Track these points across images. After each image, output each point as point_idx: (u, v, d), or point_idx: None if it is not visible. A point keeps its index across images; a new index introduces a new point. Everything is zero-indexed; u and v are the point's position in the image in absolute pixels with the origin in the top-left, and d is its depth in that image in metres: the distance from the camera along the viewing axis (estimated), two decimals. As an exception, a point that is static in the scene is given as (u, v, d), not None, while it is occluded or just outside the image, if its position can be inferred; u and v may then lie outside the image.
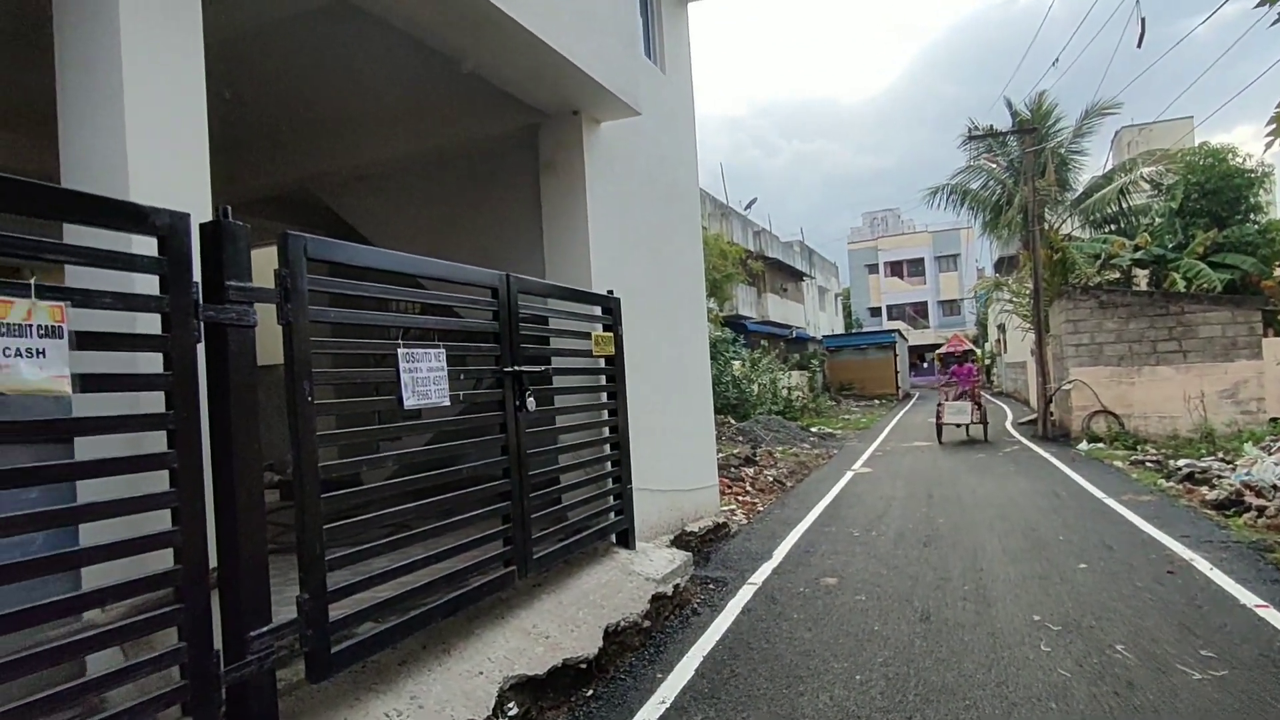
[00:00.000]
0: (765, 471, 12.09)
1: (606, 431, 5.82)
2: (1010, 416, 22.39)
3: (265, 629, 2.71)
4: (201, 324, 2.57)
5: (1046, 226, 18.56)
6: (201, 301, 2.58)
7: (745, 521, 8.82)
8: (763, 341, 26.50)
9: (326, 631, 2.95)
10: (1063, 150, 19.40)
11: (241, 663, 2.60)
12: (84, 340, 2.19)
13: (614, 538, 5.87)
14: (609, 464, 5.82)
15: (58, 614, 2.19)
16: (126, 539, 2.30)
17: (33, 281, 2.07)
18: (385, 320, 3.66)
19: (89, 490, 2.43)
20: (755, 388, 20.52)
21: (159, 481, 2.44)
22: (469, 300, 4.25)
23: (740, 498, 10.08)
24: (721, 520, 8.18)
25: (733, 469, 11.66)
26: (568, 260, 6.19)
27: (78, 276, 2.44)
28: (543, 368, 4.72)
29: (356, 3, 4.31)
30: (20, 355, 2.03)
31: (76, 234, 2.45)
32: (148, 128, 2.82)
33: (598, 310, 5.81)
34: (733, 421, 17.83)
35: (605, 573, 5.31)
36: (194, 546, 2.47)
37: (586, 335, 5.51)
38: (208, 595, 2.50)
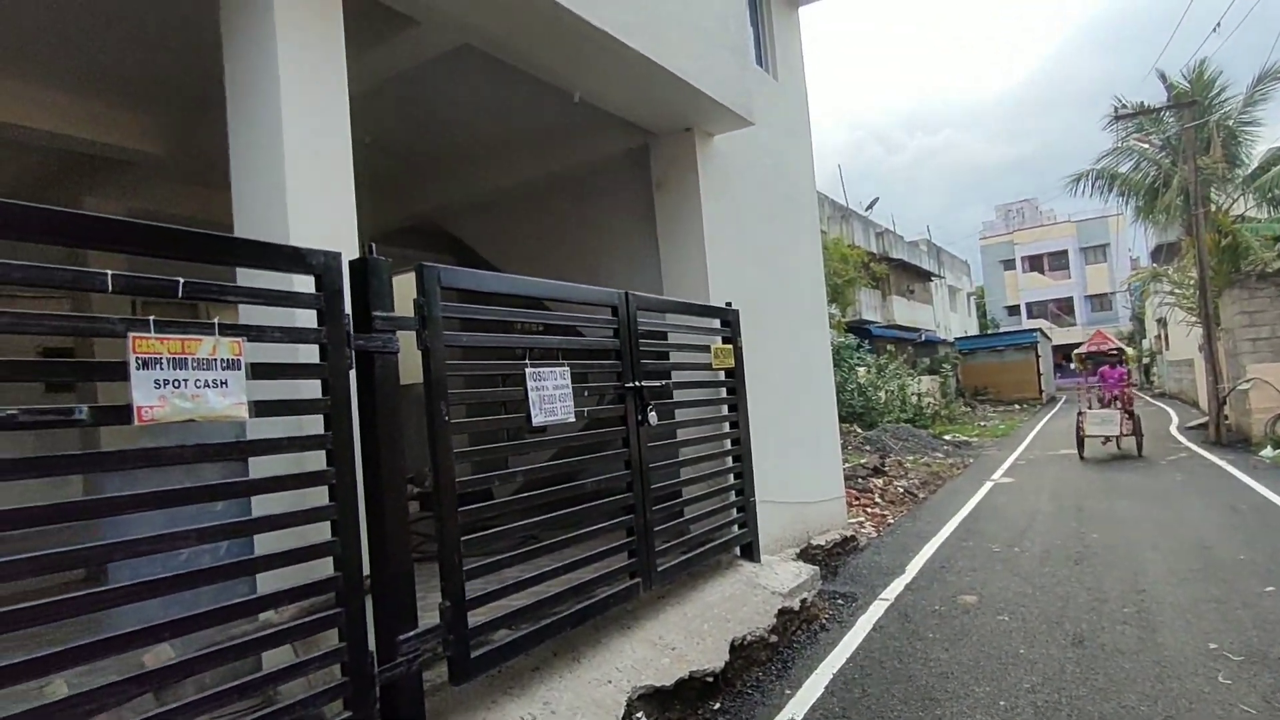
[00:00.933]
0: (895, 482, 11.66)
1: (728, 444, 5.82)
2: (1175, 420, 20.44)
3: (412, 633, 2.92)
4: (352, 352, 2.82)
5: (1213, 208, 16.86)
6: (352, 331, 2.83)
7: (874, 535, 8.54)
8: (889, 346, 25.57)
9: (466, 637, 3.14)
10: (1230, 122, 17.56)
11: (393, 664, 2.81)
12: (257, 371, 2.47)
13: (738, 551, 5.86)
14: (731, 476, 5.82)
15: (241, 614, 2.48)
16: (294, 548, 2.56)
17: (216, 321, 2.35)
18: (512, 341, 3.86)
19: (260, 505, 2.71)
20: (882, 394, 19.82)
21: (319, 496, 2.69)
22: (589, 319, 4.40)
23: (869, 509, 9.78)
24: (849, 533, 7.98)
25: (860, 480, 11.33)
26: (685, 275, 6.26)
27: (246, 314, 2.74)
28: (663, 382, 4.81)
29: (479, 46, 4.58)
30: (208, 386, 2.31)
31: (246, 276, 2.75)
32: (304, 179, 3.14)
33: (716, 323, 5.85)
34: (859, 430, 17.31)
35: (729, 586, 5.31)
36: (351, 555, 2.70)
37: (706, 348, 5.55)
38: (364, 600, 2.73)
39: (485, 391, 3.78)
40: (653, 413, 4.59)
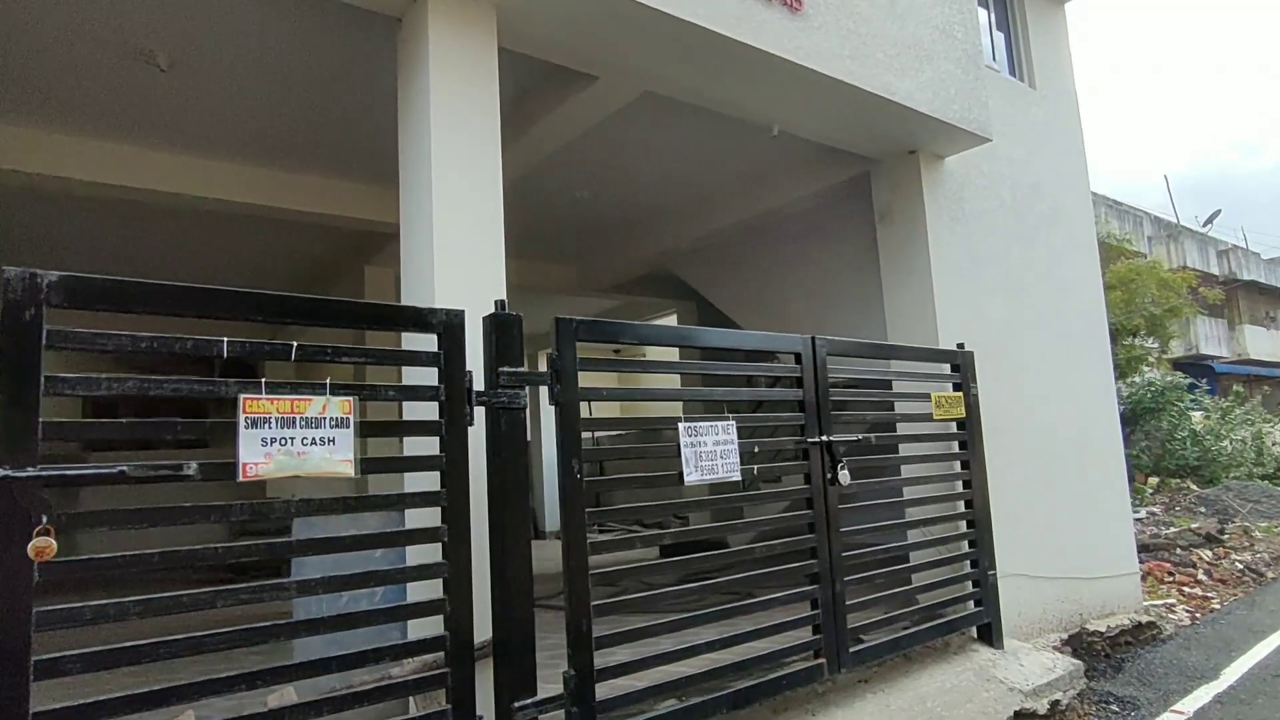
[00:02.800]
0: (1232, 556, 9.25)
1: (960, 506, 5.00)
2: None
3: (529, 700, 2.80)
4: (473, 409, 2.83)
5: None
6: (474, 387, 2.84)
7: (1186, 622, 6.79)
8: (1237, 386, 20.73)
9: (592, 710, 2.95)
10: None
11: (504, 730, 2.72)
12: (373, 429, 2.56)
13: (974, 632, 4.96)
14: (965, 544, 4.97)
15: (357, 664, 2.55)
16: (400, 604, 2.59)
17: (328, 381, 2.49)
18: (667, 394, 3.66)
19: (375, 560, 2.80)
20: (1226, 444, 16.05)
21: (435, 553, 2.71)
22: (769, 368, 4.05)
23: (1185, 589, 7.82)
24: (1146, 618, 6.41)
25: (1179, 550, 9.16)
26: (909, 315, 5.58)
27: (383, 373, 2.89)
28: (858, 437, 4.25)
29: (661, 93, 4.52)
30: (315, 444, 2.44)
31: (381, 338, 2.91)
32: (449, 241, 3.29)
33: (946, 368, 5.10)
34: (1192, 487, 14.16)
35: (954, 675, 4.48)
36: (461, 614, 2.68)
37: (925, 397, 4.84)
38: (472, 661, 2.68)
39: (637, 447, 3.60)
40: (844, 470, 4.06)
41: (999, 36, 6.88)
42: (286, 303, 2.48)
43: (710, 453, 3.54)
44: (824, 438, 4.04)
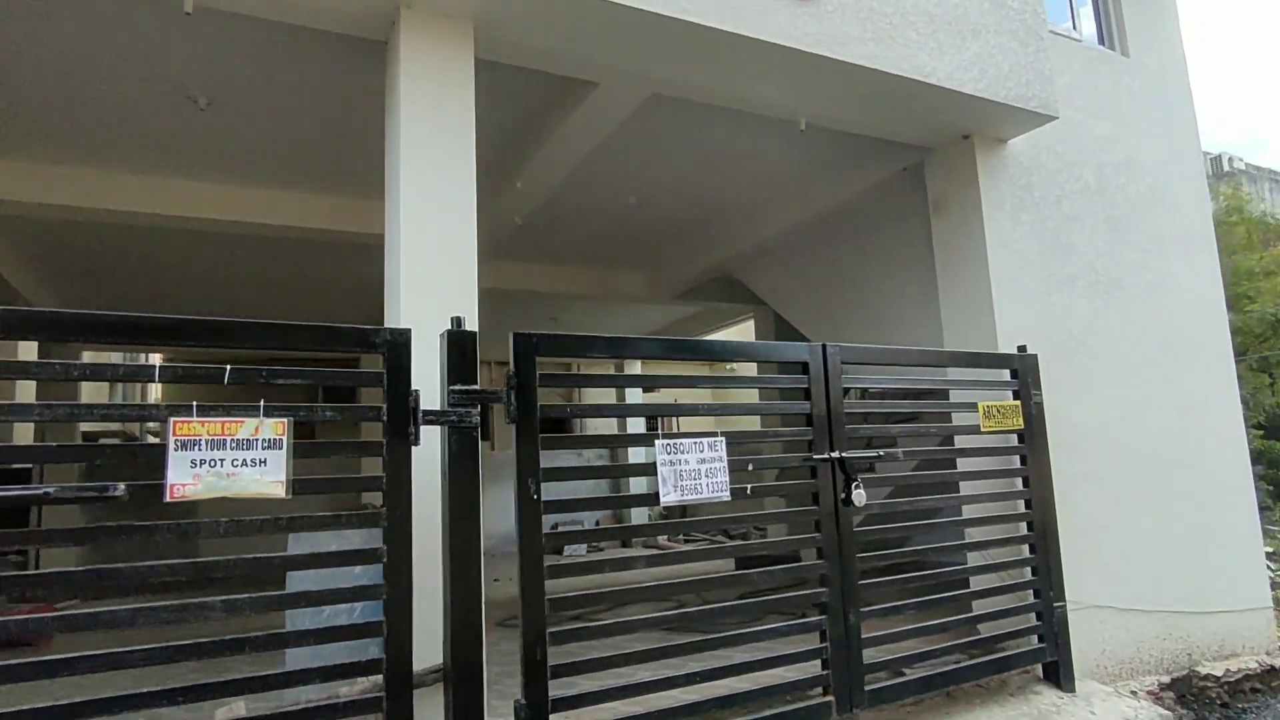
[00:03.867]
0: None
1: (1023, 528, 4.49)
2: None
3: (473, 729, 2.73)
4: (418, 428, 2.80)
5: None
6: (420, 407, 2.81)
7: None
8: None
9: (545, 743, 2.84)
10: None
11: (443, 759, 2.66)
12: (312, 449, 2.59)
13: (1040, 671, 4.44)
14: (1029, 571, 4.46)
15: (300, 681, 2.58)
16: (333, 626, 2.60)
17: (261, 403, 2.53)
18: (641, 411, 3.49)
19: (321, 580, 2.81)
20: None
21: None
22: (770, 379, 3.79)
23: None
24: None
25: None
26: (966, 315, 5.09)
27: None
28: (878, 452, 3.89)
29: (668, 94, 4.37)
30: (246, 465, 2.49)
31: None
32: (418, 258, 3.29)
33: (1006, 374, 4.60)
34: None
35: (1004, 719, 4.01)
36: (400, 637, 2.65)
37: (971, 406, 4.38)
38: (410, 687, 2.65)
39: (611, 466, 3.46)
40: (860, 490, 3.73)
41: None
42: (228, 328, 2.55)
43: (693, 471, 3.35)
44: (835, 454, 3.73)
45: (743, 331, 11.62)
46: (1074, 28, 5.95)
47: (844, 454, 3.74)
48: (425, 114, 3.36)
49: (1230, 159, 20.11)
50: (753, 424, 7.29)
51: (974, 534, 4.61)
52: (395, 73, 3.41)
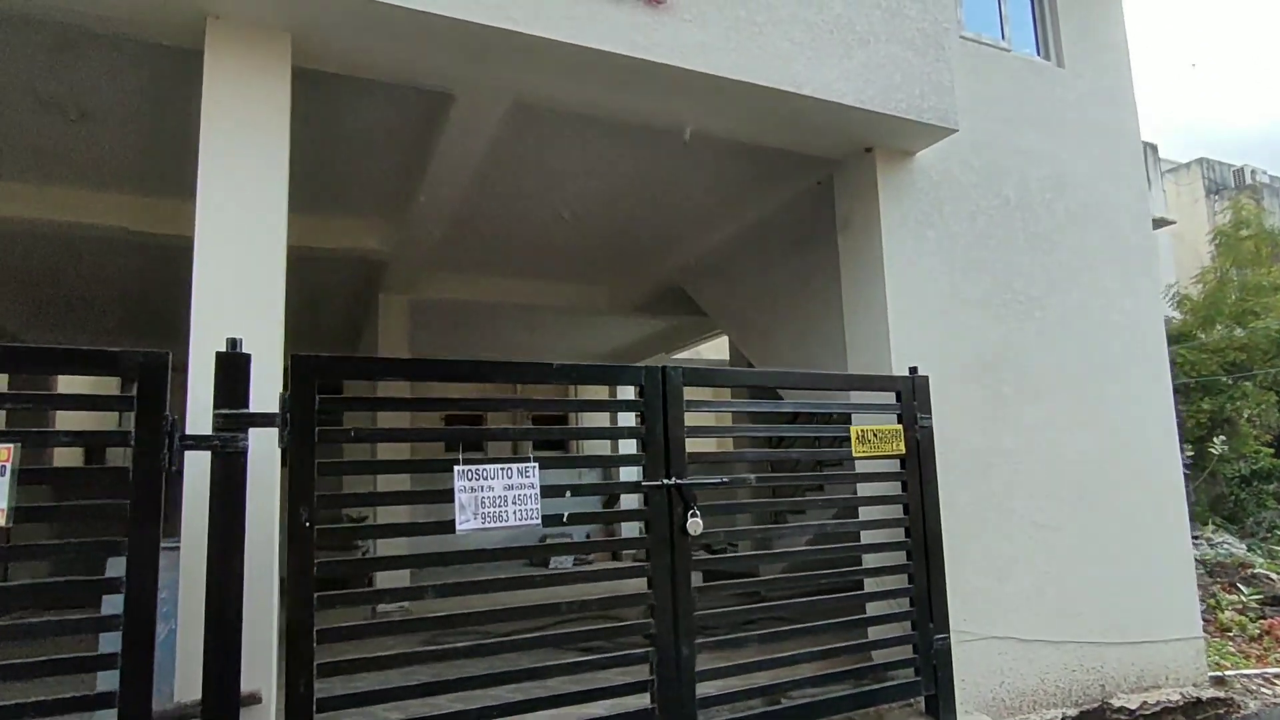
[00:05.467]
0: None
1: (903, 556, 4.27)
2: None
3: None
4: (173, 453, 2.71)
5: None
6: (177, 432, 2.73)
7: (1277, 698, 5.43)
8: None
9: (301, 781, 2.73)
10: None
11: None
12: (29, 477, 2.52)
13: (922, 705, 4.21)
14: (907, 601, 4.24)
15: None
16: (63, 657, 2.52)
17: (-11, 427, 2.47)
18: (442, 436, 3.37)
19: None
20: None
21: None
22: (605, 401, 3.64)
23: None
24: (1211, 693, 5.19)
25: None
26: (865, 334, 4.89)
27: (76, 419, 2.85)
28: (719, 479, 3.72)
29: (533, 103, 4.26)
30: (-34, 491, 2.43)
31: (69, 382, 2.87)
32: (219, 276, 3.21)
33: (891, 397, 4.39)
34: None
35: (864, 765, 3.80)
36: (136, 670, 2.56)
37: (843, 434, 4.17)
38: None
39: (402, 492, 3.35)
40: (696, 518, 3.56)
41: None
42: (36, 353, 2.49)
43: (498, 498, 3.22)
44: (671, 480, 3.56)
45: (717, 348, 11.46)
46: (1001, 37, 5.70)
47: (680, 480, 3.58)
48: (230, 126, 3.30)
49: (1253, 171, 19.31)
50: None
51: (869, 561, 4.43)
52: (204, 77, 3.33)
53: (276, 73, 3.41)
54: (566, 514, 3.39)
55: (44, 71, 4.04)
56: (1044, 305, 5.32)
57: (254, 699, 2.90)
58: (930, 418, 4.37)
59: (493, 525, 3.20)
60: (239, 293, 3.24)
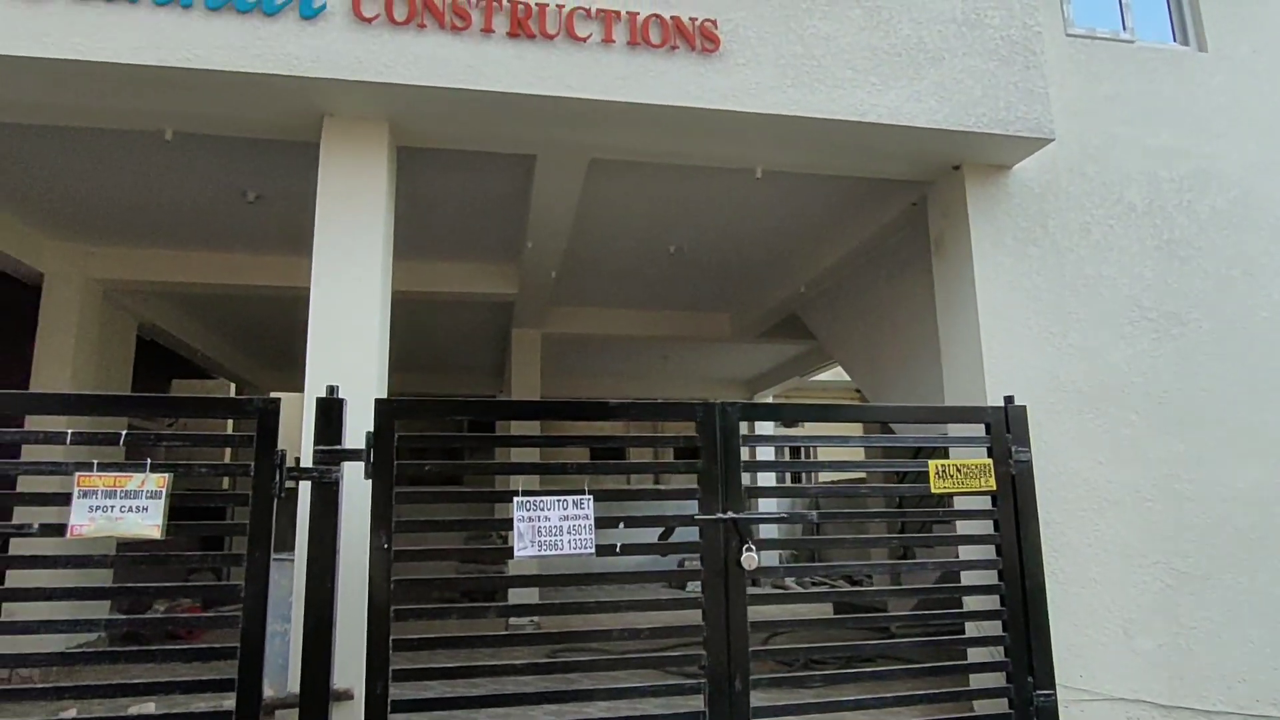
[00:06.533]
0: None
1: (996, 602, 4.04)
2: None
3: (312, 749, 3.13)
4: (282, 482, 3.28)
5: None
6: (284, 464, 3.30)
7: None
8: None
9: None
10: None
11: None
12: (183, 499, 3.16)
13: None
14: (1001, 651, 3.99)
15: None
16: (198, 646, 3.12)
17: (148, 461, 3.16)
18: (500, 468, 3.70)
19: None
20: None
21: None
22: (668, 436, 3.83)
23: None
24: None
25: None
26: (960, 361, 4.68)
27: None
28: (777, 514, 3.75)
29: (604, 157, 4.58)
30: (131, 511, 3.11)
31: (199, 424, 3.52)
32: (331, 329, 3.81)
33: (981, 429, 4.19)
34: None
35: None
36: (250, 662, 3.12)
37: (920, 468, 4.03)
38: (258, 707, 3.10)
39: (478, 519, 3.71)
40: (752, 553, 3.64)
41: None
42: (125, 400, 3.22)
43: (554, 528, 3.51)
44: (727, 514, 3.67)
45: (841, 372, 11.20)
46: (1122, 28, 5.24)
47: (736, 515, 3.68)
48: (339, 202, 3.93)
49: None
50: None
51: (969, 603, 4.24)
52: (320, 164, 3.99)
53: (377, 154, 4.00)
54: (619, 544, 3.61)
55: (224, 169, 5.00)
56: (1184, 322, 4.79)
57: (346, 695, 3.38)
58: (1028, 451, 4.10)
59: (549, 553, 3.50)
60: (343, 342, 3.83)
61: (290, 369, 10.54)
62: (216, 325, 8.68)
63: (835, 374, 11.27)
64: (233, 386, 10.07)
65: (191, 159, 4.87)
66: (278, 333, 8.78)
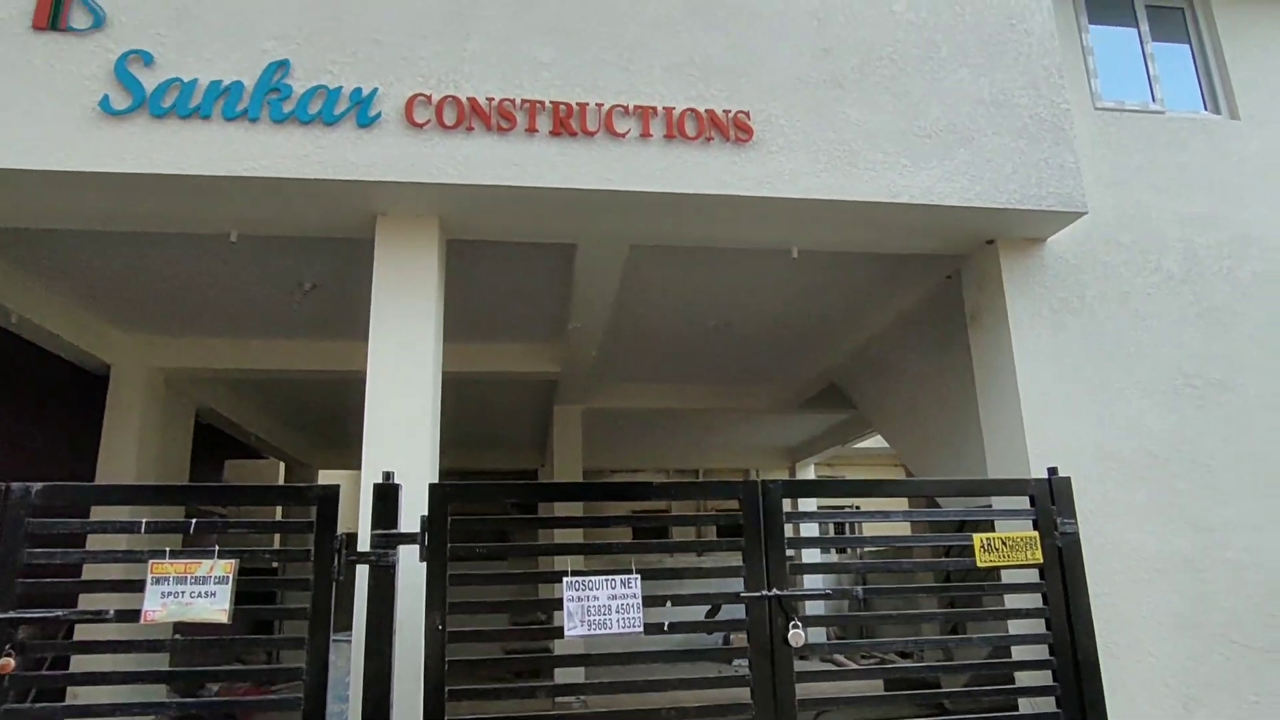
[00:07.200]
0: None
1: (1050, 677, 3.94)
2: None
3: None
4: (341, 566, 3.40)
5: None
6: (343, 549, 3.42)
7: None
8: None
9: None
10: None
11: None
12: (246, 584, 3.29)
13: None
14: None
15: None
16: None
17: (216, 548, 3.31)
18: (551, 549, 3.77)
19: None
20: None
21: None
22: (710, 514, 3.88)
23: None
24: None
25: None
26: (1001, 433, 4.68)
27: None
28: (823, 590, 3.75)
29: (646, 244, 4.78)
30: (200, 596, 3.25)
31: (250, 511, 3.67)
32: (387, 414, 3.98)
33: (1025, 502, 4.16)
34: None
35: None
36: (308, 747, 3.18)
37: (964, 542, 4.01)
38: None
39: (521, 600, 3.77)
40: (797, 629, 3.63)
41: (1174, 57, 5.59)
42: (191, 490, 3.40)
43: (602, 607, 3.55)
44: (772, 592, 3.68)
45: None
46: (1151, 100, 5.36)
47: (781, 592, 3.69)
48: (393, 295, 4.16)
49: None
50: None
51: (1020, 679, 4.14)
52: (374, 261, 4.24)
53: (428, 248, 4.24)
54: (667, 623, 3.63)
55: (283, 263, 5.32)
56: (1229, 388, 4.74)
57: (401, 776, 3.41)
58: (1074, 522, 4.06)
59: (599, 632, 3.53)
60: (397, 427, 3.99)
61: (338, 446, 10.83)
62: (269, 407, 9.02)
63: (877, 441, 11.17)
64: (282, 466, 10.39)
65: (253, 255, 5.20)
66: (327, 412, 9.09)
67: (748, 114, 4.24)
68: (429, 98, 3.99)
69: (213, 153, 3.84)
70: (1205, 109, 5.52)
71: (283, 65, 3.93)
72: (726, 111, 4.23)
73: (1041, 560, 4.01)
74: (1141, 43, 5.50)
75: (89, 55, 3.82)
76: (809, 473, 13.50)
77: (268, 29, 3.95)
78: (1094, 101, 5.23)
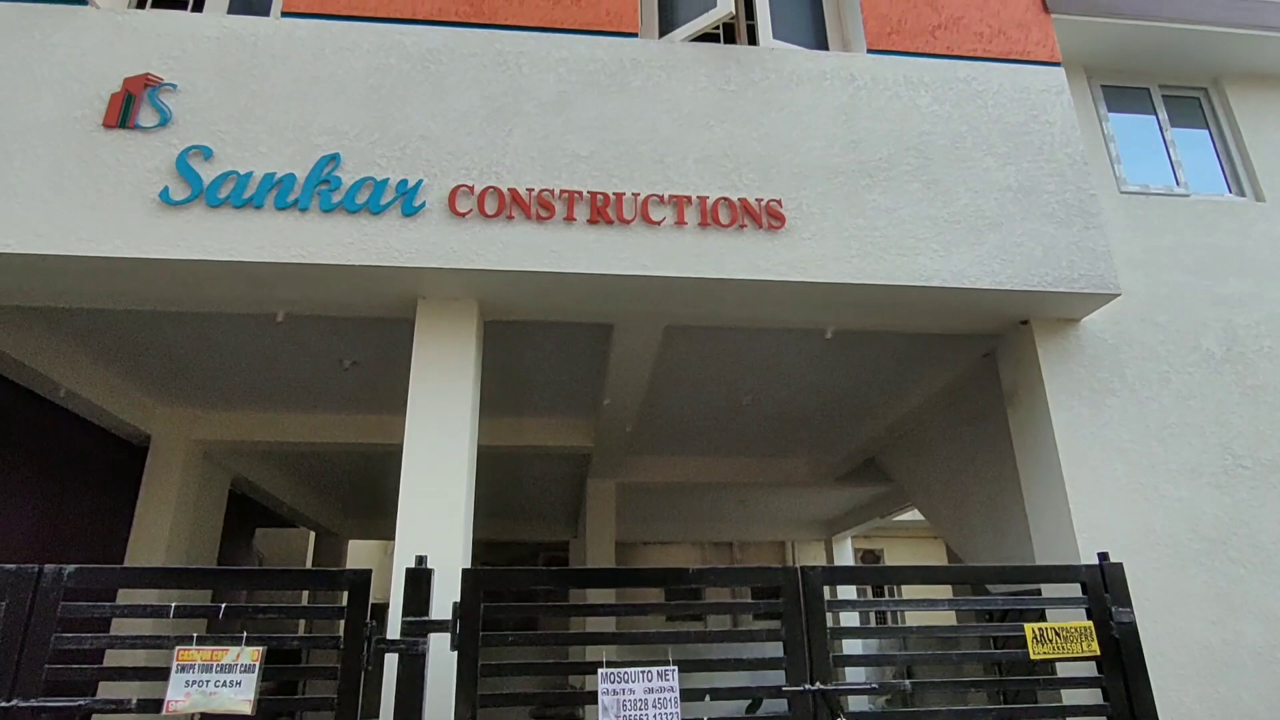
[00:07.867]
0: None
1: (1112, 785, 3.71)
2: None
3: None
4: (370, 653, 3.34)
5: None
6: (373, 636, 3.37)
7: None
8: None
9: None
10: None
11: None
12: (270, 674, 3.25)
13: None
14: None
15: None
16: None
17: (244, 634, 3.28)
18: (584, 639, 3.69)
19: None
20: None
21: (324, 785, 3.19)
22: (743, 603, 3.78)
23: None
24: None
25: None
26: (1046, 516, 4.56)
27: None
28: (869, 685, 3.60)
29: (683, 324, 4.83)
30: (225, 685, 3.20)
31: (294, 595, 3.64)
32: (419, 499, 3.98)
33: (1076, 589, 4.01)
34: None
35: None
36: None
37: (1016, 632, 3.85)
38: None
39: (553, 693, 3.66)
40: (843, 726, 3.48)
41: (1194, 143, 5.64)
42: (221, 574, 3.39)
43: (639, 700, 3.44)
44: (816, 685, 3.55)
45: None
46: (1175, 184, 5.39)
47: (824, 686, 3.55)
48: (431, 376, 4.22)
49: None
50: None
51: None
52: (414, 342, 4.32)
53: (466, 330, 4.32)
54: (706, 718, 3.49)
55: (324, 342, 5.44)
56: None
57: None
58: (1131, 611, 3.89)
59: (633, 727, 3.41)
60: (432, 504, 3.99)
61: (367, 515, 10.83)
62: (302, 477, 9.10)
63: (917, 514, 10.93)
64: (311, 536, 10.38)
65: (295, 335, 5.33)
66: (359, 483, 9.15)
67: (779, 202, 4.33)
68: (471, 188, 4.13)
69: (264, 240, 3.98)
70: (1229, 191, 5.53)
71: (333, 159, 4.11)
72: (759, 200, 4.32)
73: (1099, 653, 3.84)
74: (1161, 129, 5.58)
75: (153, 150, 4.03)
76: (846, 545, 13.16)
77: (321, 125, 4.15)
78: (1119, 186, 5.27)
